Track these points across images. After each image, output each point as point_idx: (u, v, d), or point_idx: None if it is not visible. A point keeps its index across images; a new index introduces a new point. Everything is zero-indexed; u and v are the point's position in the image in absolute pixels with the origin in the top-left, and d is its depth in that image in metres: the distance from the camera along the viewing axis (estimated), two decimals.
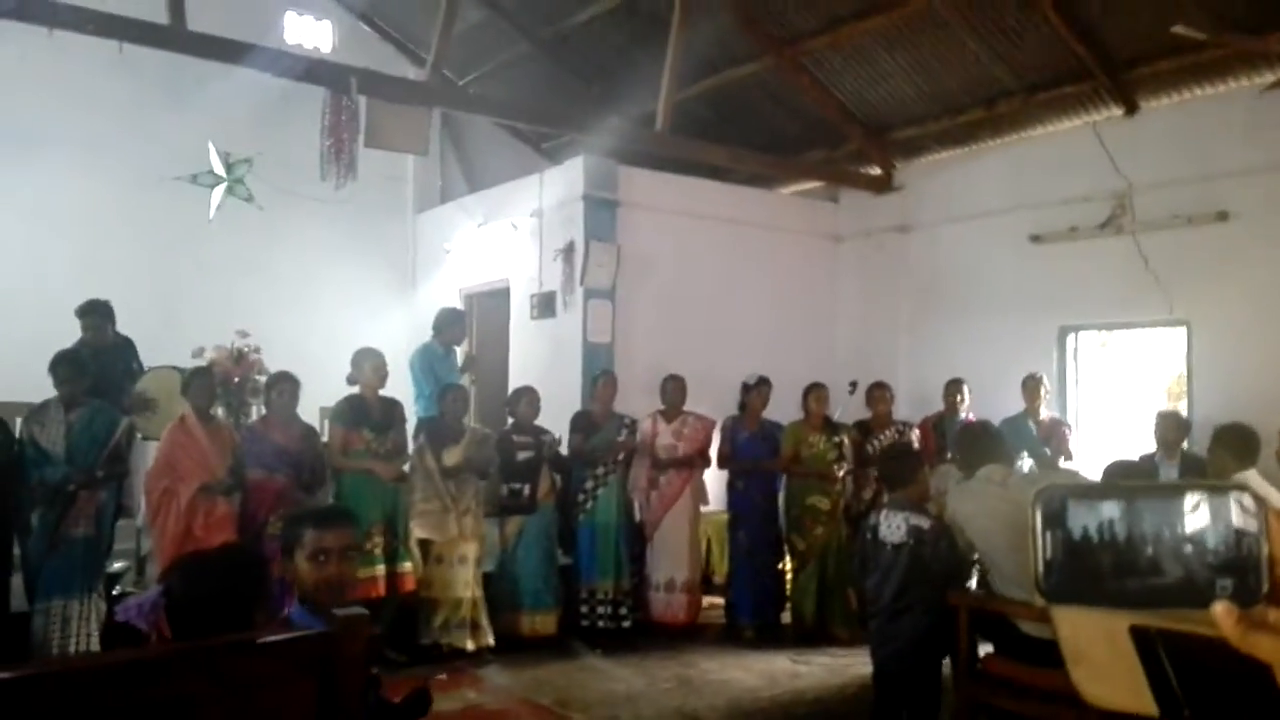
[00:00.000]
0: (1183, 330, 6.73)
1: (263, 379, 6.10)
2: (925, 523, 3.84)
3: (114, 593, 5.19)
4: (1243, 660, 0.67)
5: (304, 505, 5.01)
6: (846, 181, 8.90)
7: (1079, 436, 6.67)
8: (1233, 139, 6.47)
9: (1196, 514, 0.69)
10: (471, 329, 8.39)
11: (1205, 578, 0.68)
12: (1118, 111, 7.14)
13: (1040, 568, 0.75)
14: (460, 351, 6.96)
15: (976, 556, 4.00)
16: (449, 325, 6.70)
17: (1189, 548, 0.69)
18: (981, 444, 4.09)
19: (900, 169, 8.64)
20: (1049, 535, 0.75)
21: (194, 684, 1.69)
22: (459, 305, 8.66)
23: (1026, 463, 6.12)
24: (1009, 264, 7.60)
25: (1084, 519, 0.74)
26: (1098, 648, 0.80)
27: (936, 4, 6.84)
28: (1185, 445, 5.64)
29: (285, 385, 5.51)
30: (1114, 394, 7.34)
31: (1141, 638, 0.77)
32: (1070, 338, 7.40)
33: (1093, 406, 7.31)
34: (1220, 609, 0.67)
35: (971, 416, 6.31)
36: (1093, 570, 0.73)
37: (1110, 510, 0.73)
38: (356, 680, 1.85)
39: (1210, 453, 4.31)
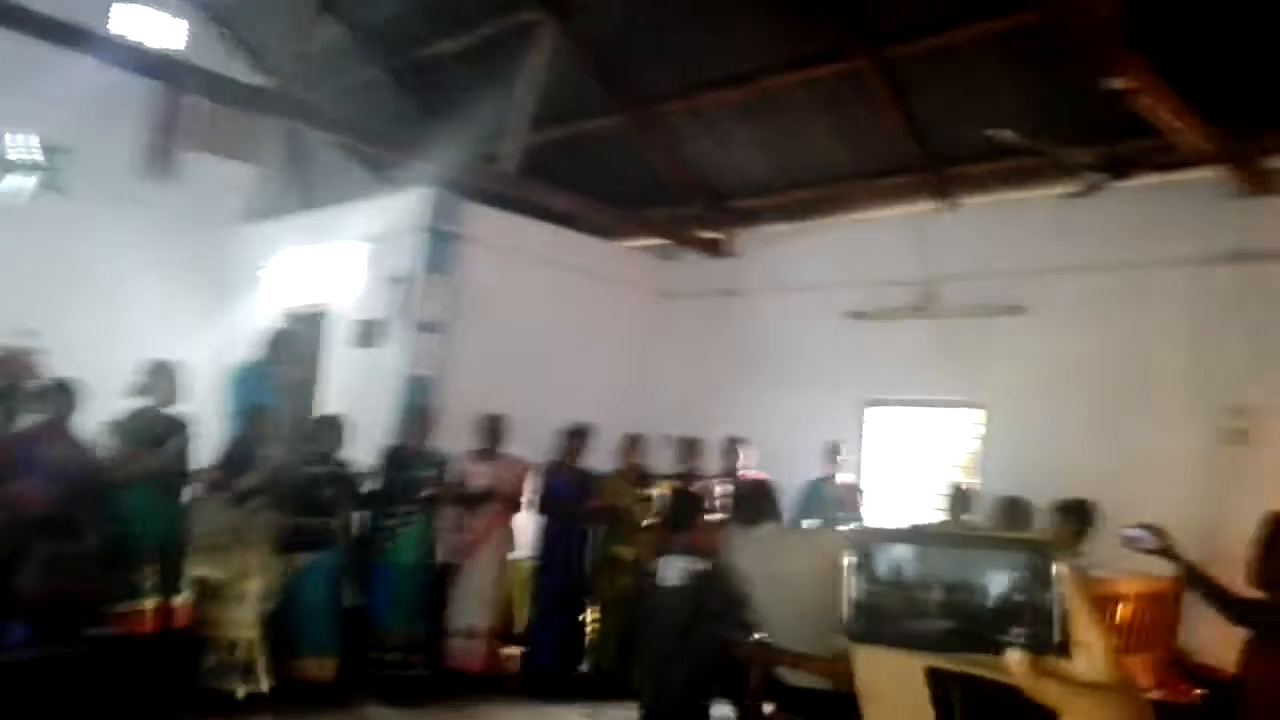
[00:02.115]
0: (979, 411, 7.16)
1: (39, 384, 5.60)
2: (702, 565, 3.90)
3: None
4: (1032, 707, 0.69)
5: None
6: (685, 242, 9.09)
7: (871, 502, 6.99)
8: (1037, 239, 6.99)
9: (995, 564, 0.71)
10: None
11: (1000, 625, 0.70)
12: (937, 205, 7.59)
13: (847, 608, 0.77)
14: (285, 375, 6.65)
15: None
16: (279, 344, 6.54)
17: (986, 596, 0.71)
18: (757, 502, 4.22)
19: (737, 235, 8.90)
20: (856, 577, 0.76)
21: None
22: (275, 325, 8.28)
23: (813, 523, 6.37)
24: (825, 336, 7.91)
25: (887, 562, 0.76)
26: (892, 688, 0.81)
27: (785, 84, 7.14)
28: (967, 516, 6.00)
29: (60, 396, 5.09)
30: (908, 465, 7.72)
31: (937, 680, 0.80)
32: (870, 411, 7.76)
33: (888, 476, 7.66)
34: (1014, 656, 0.69)
35: (748, 474, 6.51)
36: (893, 612, 0.75)
37: (913, 555, 0.75)
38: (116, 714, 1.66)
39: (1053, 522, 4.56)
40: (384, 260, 7.78)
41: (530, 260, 8.15)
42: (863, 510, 6.65)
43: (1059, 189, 7.06)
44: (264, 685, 5.41)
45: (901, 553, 0.76)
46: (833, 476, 6.81)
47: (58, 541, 2.14)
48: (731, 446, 6.90)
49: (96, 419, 5.39)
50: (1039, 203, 7.14)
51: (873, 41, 6.59)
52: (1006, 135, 6.29)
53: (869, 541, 0.77)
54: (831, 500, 6.58)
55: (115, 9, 8.63)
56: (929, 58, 6.54)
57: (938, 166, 7.40)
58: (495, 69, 8.14)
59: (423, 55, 8.53)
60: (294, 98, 7.92)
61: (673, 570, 3.92)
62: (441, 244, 7.62)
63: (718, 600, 3.83)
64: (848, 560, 0.76)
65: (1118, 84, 5.25)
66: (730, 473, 6.71)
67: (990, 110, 6.60)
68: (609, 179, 9.04)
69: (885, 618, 0.76)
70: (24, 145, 7.42)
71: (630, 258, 9.30)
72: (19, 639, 2.06)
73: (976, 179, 7.36)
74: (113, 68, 6.15)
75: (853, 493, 6.78)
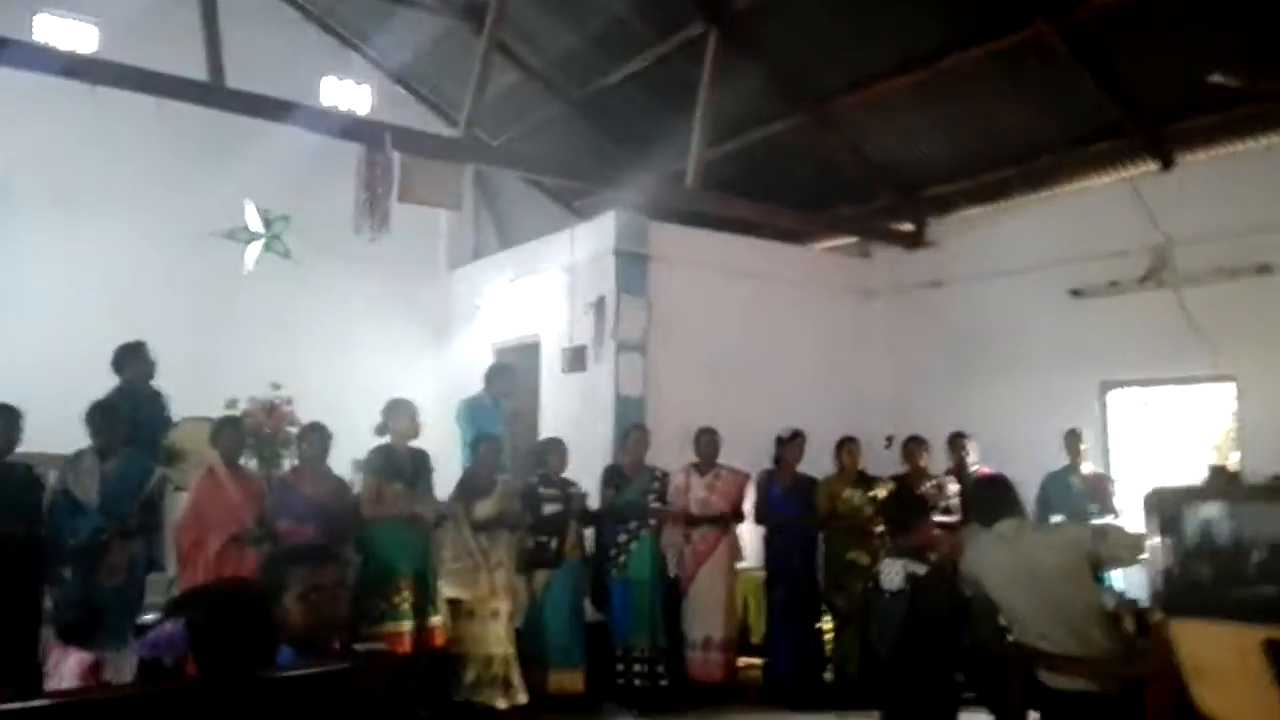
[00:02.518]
0: (1229, 385, 6.57)
1: (294, 430, 6.08)
2: (922, 569, 3.73)
3: None
4: None
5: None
6: (878, 237, 8.87)
7: (1123, 492, 6.50)
8: (1273, 191, 6.39)
9: None
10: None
11: None
12: (1154, 166, 7.07)
13: (1160, 578, 0.69)
14: (507, 405, 6.93)
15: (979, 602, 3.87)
16: (496, 377, 6.79)
17: None
18: (994, 497, 3.99)
19: (933, 225, 8.60)
20: (1165, 542, 0.69)
21: (220, 718, 1.62)
22: (490, 359, 8.66)
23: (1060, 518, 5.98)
24: (1046, 319, 7.49)
25: (1197, 524, 0.68)
26: (1223, 663, 0.73)
27: (964, 62, 6.86)
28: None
29: (315, 436, 5.48)
30: (1157, 450, 7.16)
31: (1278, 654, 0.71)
32: (1111, 393, 7.26)
33: (1135, 463, 7.13)
34: None
35: (983, 469, 6.19)
36: (1216, 579, 0.67)
37: (1233, 514, 0.67)
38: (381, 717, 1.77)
39: None
40: (582, 287, 7.99)
41: (723, 272, 8.16)
42: (1115, 501, 6.19)
43: None
44: (522, 698, 5.59)
45: (1213, 512, 0.66)
46: (1077, 467, 6.39)
47: (314, 571, 2.27)
48: (958, 442, 6.62)
49: (344, 458, 5.80)
50: (1269, 151, 6.53)
51: (1052, 6, 6.22)
52: (1226, 80, 5.80)
53: (1174, 503, 0.67)
54: (1078, 492, 6.17)
55: (321, 82, 9.32)
56: (1118, 13, 6.09)
57: (1148, 125, 6.90)
58: (669, 88, 8.25)
59: (599, 85, 8.73)
60: (484, 143, 8.34)
61: (892, 574, 3.79)
62: (632, 265, 7.76)
63: (939, 602, 3.66)
64: (1154, 522, 0.67)
65: None
66: (958, 469, 6.43)
67: (1198, 57, 6.11)
68: (793, 184, 8.94)
69: (1205, 587, 0.66)
70: (255, 216, 8.14)
71: (823, 259, 9.16)
72: (286, 661, 2.19)
73: (1194, 133, 6.83)
74: (316, 138, 6.64)
75: (1102, 483, 6.34)
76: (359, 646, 1.81)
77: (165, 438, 5.87)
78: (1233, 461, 6.19)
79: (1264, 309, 6.29)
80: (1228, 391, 6.61)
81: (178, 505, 5.63)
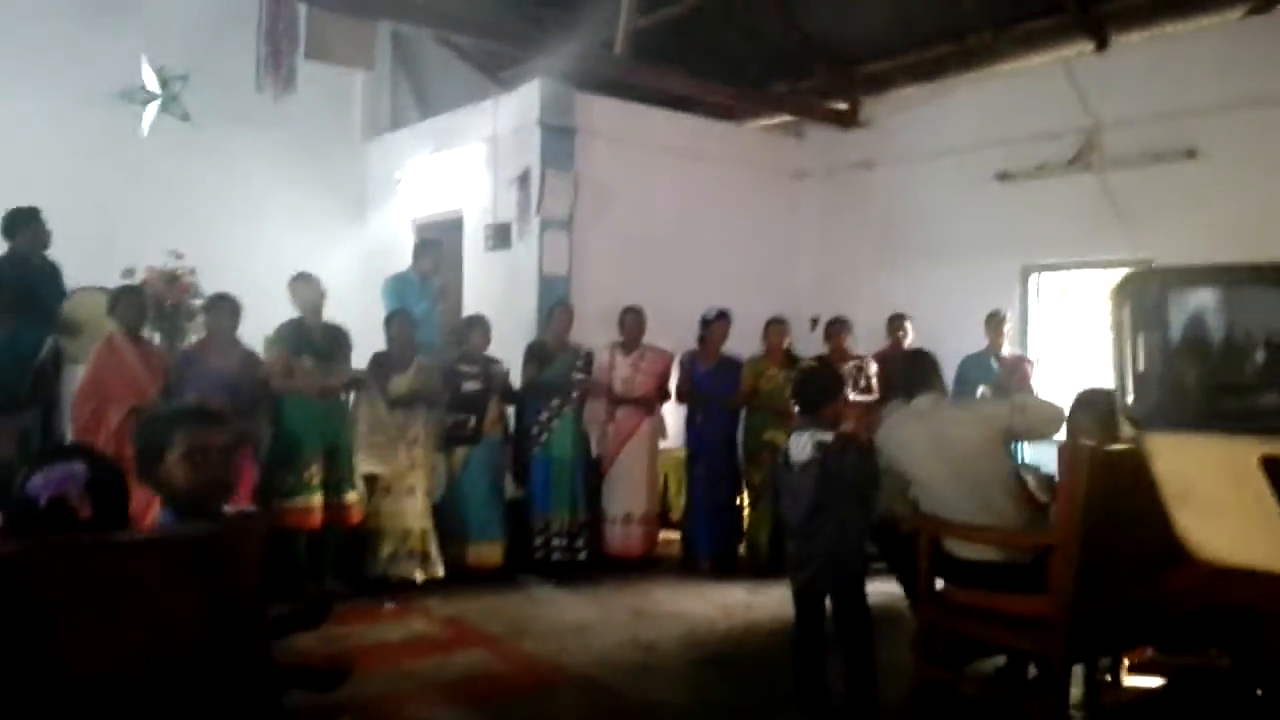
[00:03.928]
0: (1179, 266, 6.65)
1: (198, 302, 5.80)
2: (829, 436, 3.73)
3: None
4: None
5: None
6: (811, 115, 8.68)
7: (1041, 374, 6.62)
8: (1205, 75, 6.36)
9: None
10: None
11: None
12: (1088, 47, 6.97)
13: (1128, 384, 0.56)
14: (436, 282, 6.73)
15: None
16: (422, 253, 6.70)
17: None
18: (916, 372, 3.98)
19: (867, 104, 8.44)
20: (1140, 339, 0.56)
21: (58, 585, 1.49)
22: (412, 235, 8.37)
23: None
24: (974, 202, 7.48)
25: (1184, 317, 0.55)
26: (1214, 485, 0.63)
27: None
28: None
29: (223, 306, 5.24)
30: (1075, 333, 7.29)
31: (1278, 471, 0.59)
32: (1034, 277, 7.33)
33: (1054, 345, 7.26)
34: None
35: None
36: (1204, 385, 0.54)
37: (1220, 304, 0.54)
38: (250, 583, 1.66)
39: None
40: (505, 160, 7.70)
41: (652, 149, 7.94)
42: (1033, 383, 6.30)
43: (1228, 14, 6.39)
44: (439, 571, 5.61)
45: (1206, 301, 0.54)
46: (997, 349, 6.47)
47: (198, 432, 2.13)
48: (896, 322, 6.65)
49: (254, 333, 5.56)
50: (1205, 33, 6.48)
51: None
52: None
53: (1156, 289, 0.55)
54: (997, 373, 6.26)
55: None
56: None
57: (1085, 2, 6.76)
58: None
59: None
60: None
61: (800, 446, 3.77)
62: (558, 138, 7.47)
63: (849, 466, 3.67)
64: (1127, 314, 0.55)
65: None
66: (895, 350, 6.45)
67: None
68: (727, 58, 8.66)
69: (1191, 394, 0.54)
70: (152, 75, 7.56)
71: (755, 138, 8.96)
72: (166, 521, 2.08)
73: (1131, 12, 6.71)
74: None
75: (1021, 364, 6.44)
76: (232, 510, 1.68)
77: (61, 309, 5.55)
78: None
79: (1188, 193, 6.33)
80: None
81: (76, 378, 5.35)
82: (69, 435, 5.04)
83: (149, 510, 2.21)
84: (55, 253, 5.81)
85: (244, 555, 1.65)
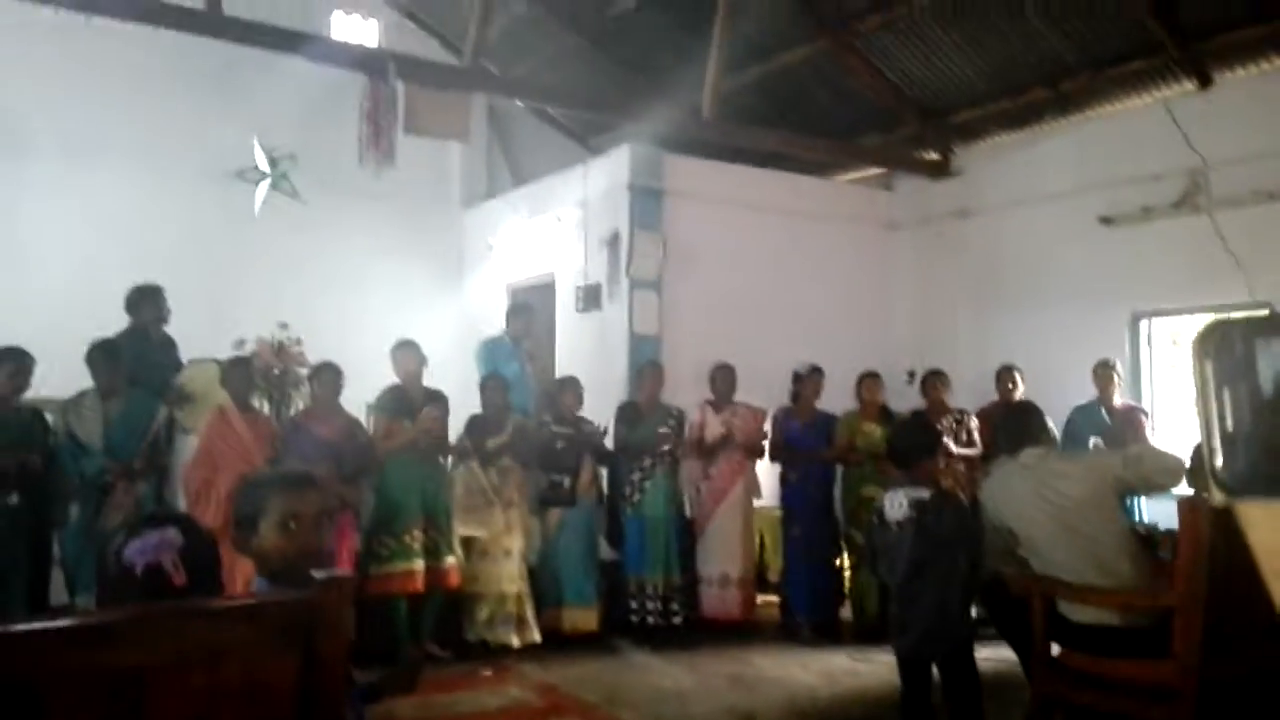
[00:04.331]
0: (1265, 313, 6.31)
1: (304, 371, 6.01)
2: (926, 494, 3.58)
3: None
4: None
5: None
6: (903, 166, 8.60)
7: (1154, 425, 6.30)
8: None
9: None
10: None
11: None
12: (1190, 85, 6.75)
13: (1215, 445, 0.51)
14: (526, 345, 6.84)
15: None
16: (514, 316, 6.81)
17: None
18: (1020, 424, 3.81)
19: (959, 153, 8.31)
20: (1227, 394, 0.50)
21: (151, 651, 1.52)
22: (505, 299, 8.55)
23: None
24: (1076, 248, 7.24)
25: (1274, 368, 0.50)
26: None
27: None
28: None
29: (327, 375, 5.41)
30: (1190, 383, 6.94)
31: None
32: (1144, 323, 7.03)
33: (1167, 395, 6.92)
34: None
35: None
36: None
37: None
38: (339, 649, 1.67)
39: None
40: (596, 224, 7.82)
41: (740, 207, 7.97)
42: (1147, 434, 6.00)
43: None
44: (535, 636, 5.59)
45: None
46: (1108, 399, 6.19)
47: (293, 498, 2.15)
48: (1005, 375, 6.38)
49: (357, 400, 5.73)
50: None
51: None
52: None
53: (1242, 338, 0.48)
54: (1108, 425, 5.98)
55: (329, 18, 9.11)
56: None
57: (1185, 42, 6.56)
58: (684, 14, 7.96)
59: (612, 13, 8.43)
60: (493, 73, 8.12)
61: (896, 504, 3.64)
62: (647, 200, 7.57)
63: (947, 524, 3.52)
64: (1208, 369, 0.49)
65: None
66: (1005, 403, 6.21)
67: None
68: (814, 113, 8.67)
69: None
70: (262, 156, 7.98)
71: (845, 192, 8.91)
72: (260, 590, 2.10)
73: (1233, 49, 6.48)
74: (323, 74, 6.50)
75: (1134, 415, 6.13)
76: (321, 574, 1.70)
77: (175, 380, 5.81)
78: None
79: None
80: None
81: (188, 448, 5.58)
82: (181, 504, 5.24)
83: (244, 579, 2.25)
84: (172, 326, 6.11)
85: (333, 620, 1.66)
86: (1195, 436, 3.90)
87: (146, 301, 5.83)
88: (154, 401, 5.22)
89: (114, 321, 5.73)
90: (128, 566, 1.84)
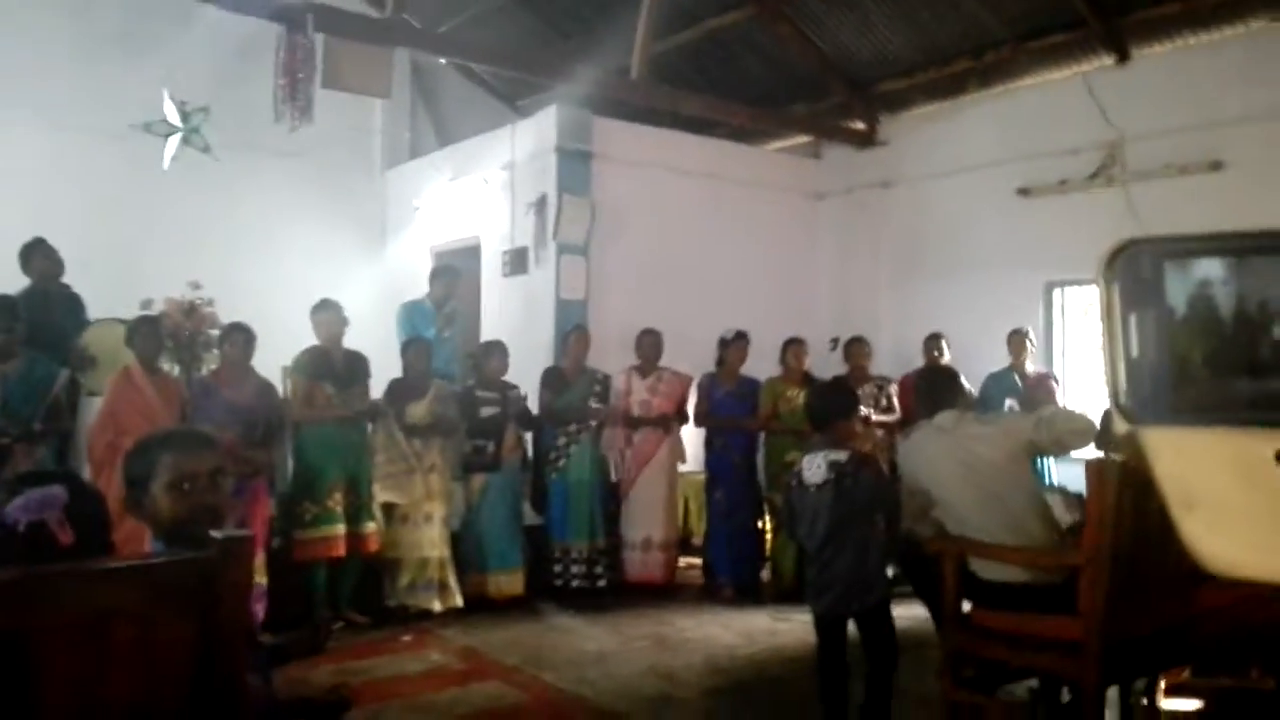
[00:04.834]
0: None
1: (216, 332, 5.81)
2: (843, 455, 3.63)
3: None
4: None
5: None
6: (830, 135, 8.64)
7: (1065, 391, 6.49)
8: (1228, 85, 6.27)
9: None
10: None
11: None
12: (1109, 60, 6.90)
13: (1120, 373, 0.48)
14: (446, 309, 6.71)
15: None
16: (435, 280, 6.67)
17: None
18: (936, 388, 3.87)
19: (885, 123, 8.39)
20: (1134, 320, 0.48)
21: (32, 616, 1.43)
22: (430, 262, 8.38)
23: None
24: (995, 219, 7.39)
25: (1188, 292, 0.47)
26: (1224, 486, 0.54)
27: None
28: None
29: (237, 336, 5.22)
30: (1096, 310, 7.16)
31: None
32: (1057, 292, 7.21)
33: (1079, 362, 7.13)
34: None
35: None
36: (1210, 370, 0.47)
37: (1240, 275, 0.47)
38: (240, 610, 1.60)
39: None
40: (523, 187, 7.70)
41: (669, 172, 7.91)
42: (1058, 400, 6.17)
43: (1251, 23, 6.29)
44: (458, 600, 5.54)
45: (1210, 273, 0.46)
46: (1021, 366, 6.36)
47: (186, 458, 2.06)
48: (932, 342, 6.52)
49: (275, 362, 5.57)
50: (1228, 42, 6.39)
51: None
52: None
53: (1152, 260, 0.46)
54: (1021, 391, 6.15)
55: None
56: None
57: (1106, 16, 6.69)
58: None
59: None
60: (417, 28, 7.89)
61: (815, 466, 3.67)
62: (574, 164, 7.47)
63: (865, 486, 3.57)
64: (1116, 292, 0.47)
65: None
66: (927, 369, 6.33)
67: None
68: (744, 80, 8.65)
69: (1195, 381, 0.46)
70: (173, 108, 7.64)
71: (773, 160, 8.93)
72: (157, 552, 2.03)
73: (1152, 25, 6.65)
74: (239, 24, 6.25)
75: (1045, 381, 6.31)
76: (220, 534, 1.62)
77: (77, 341, 5.57)
78: None
79: (1214, 205, 6.20)
80: None
81: (90, 412, 5.35)
82: (84, 468, 5.03)
83: (141, 542, 2.15)
84: (76, 285, 5.86)
85: (232, 580, 1.59)
86: (1104, 400, 4.02)
87: (35, 255, 5.64)
88: (53, 363, 4.98)
89: (10, 277, 5.48)
90: (9, 525, 1.73)
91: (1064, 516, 3.71)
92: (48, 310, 5.53)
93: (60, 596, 1.51)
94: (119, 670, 1.54)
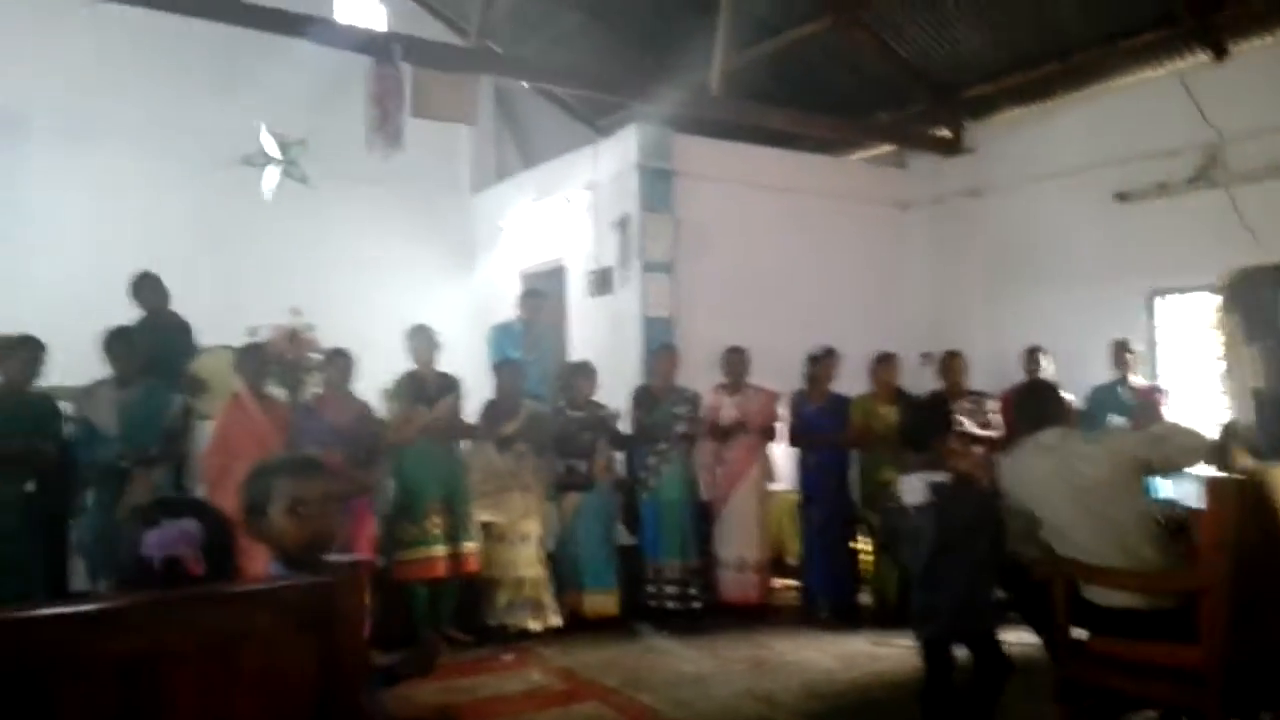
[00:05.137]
0: None
1: (317, 357, 6.00)
2: (943, 477, 3.54)
3: None
4: None
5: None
6: (914, 144, 8.52)
7: (1173, 404, 6.25)
8: None
9: None
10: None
11: None
12: (1205, 57, 6.66)
13: (1244, 404, 0.47)
14: (532, 330, 6.83)
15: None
16: (523, 301, 6.83)
17: None
18: (1039, 404, 3.76)
19: (971, 130, 8.23)
20: (1257, 350, 0.46)
21: (162, 638, 1.49)
22: (517, 284, 8.51)
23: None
24: (1092, 225, 7.18)
25: None
26: None
27: None
28: None
29: (338, 361, 5.42)
30: (1208, 359, 6.88)
31: None
32: (1160, 301, 6.96)
33: (1187, 373, 6.86)
34: None
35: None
36: None
37: None
38: (357, 633, 1.66)
39: None
40: (606, 206, 7.77)
41: (751, 187, 7.90)
42: (1165, 413, 5.93)
43: None
44: (555, 620, 5.60)
45: None
46: (1126, 378, 6.13)
47: (298, 483, 2.15)
48: (1033, 356, 6.28)
49: (371, 384, 5.72)
50: None
51: None
52: None
53: (1273, 287, 0.43)
54: (1127, 405, 5.92)
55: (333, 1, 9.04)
56: None
57: (1200, 12, 6.46)
58: None
59: None
60: (499, 54, 8.04)
61: (913, 489, 3.60)
62: (656, 182, 7.51)
63: (969, 506, 3.49)
64: (1231, 324, 0.44)
65: None
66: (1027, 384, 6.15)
67: None
68: (825, 90, 8.59)
69: None
70: (271, 141, 7.94)
71: (856, 170, 8.84)
72: (277, 574, 2.10)
73: (1249, 19, 6.38)
74: (329, 58, 6.46)
75: (1152, 394, 6.07)
76: (335, 558, 1.69)
77: (188, 367, 5.81)
78: None
79: None
80: None
81: (204, 434, 5.58)
82: (199, 491, 5.24)
83: (260, 565, 2.25)
84: (182, 312, 6.11)
85: (350, 604, 1.65)
86: (1218, 414, 3.87)
87: (144, 288, 5.90)
88: (170, 389, 5.21)
89: (122, 308, 5.74)
90: (145, 559, 1.81)
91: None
92: (160, 338, 5.78)
93: (192, 620, 1.57)
94: (246, 693, 1.59)
